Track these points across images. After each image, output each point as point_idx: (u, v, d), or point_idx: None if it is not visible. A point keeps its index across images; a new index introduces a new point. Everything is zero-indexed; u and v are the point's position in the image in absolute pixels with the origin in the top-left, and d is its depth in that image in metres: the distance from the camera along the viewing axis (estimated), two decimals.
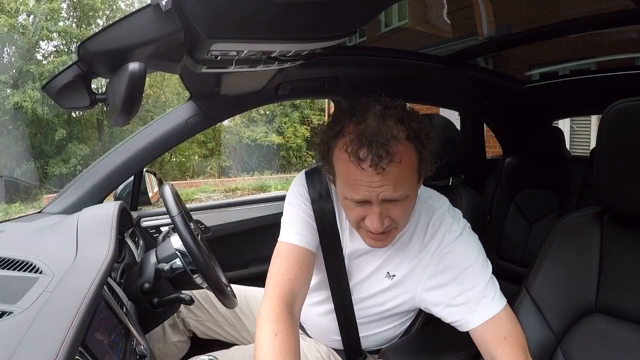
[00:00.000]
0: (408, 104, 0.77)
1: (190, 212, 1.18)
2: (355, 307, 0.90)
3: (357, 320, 0.91)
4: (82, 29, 8.96)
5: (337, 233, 0.85)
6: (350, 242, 0.86)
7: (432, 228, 0.81)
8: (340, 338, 0.94)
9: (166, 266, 0.95)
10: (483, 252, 0.80)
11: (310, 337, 1.04)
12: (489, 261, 0.79)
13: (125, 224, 1.14)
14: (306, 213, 0.85)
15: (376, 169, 0.64)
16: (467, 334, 0.78)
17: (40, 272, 0.67)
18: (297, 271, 0.78)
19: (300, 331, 1.06)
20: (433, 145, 0.71)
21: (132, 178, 1.34)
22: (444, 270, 0.78)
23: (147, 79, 0.73)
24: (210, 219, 1.50)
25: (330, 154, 0.73)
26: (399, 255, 0.83)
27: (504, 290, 0.79)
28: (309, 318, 1.01)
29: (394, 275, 0.84)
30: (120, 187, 1.32)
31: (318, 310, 0.97)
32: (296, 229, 0.83)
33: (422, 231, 0.82)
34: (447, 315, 0.78)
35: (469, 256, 0.78)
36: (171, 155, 9.53)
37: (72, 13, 9.15)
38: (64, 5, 8.90)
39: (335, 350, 0.99)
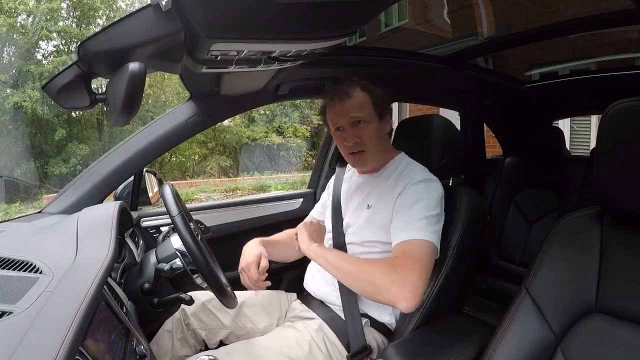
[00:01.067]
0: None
1: (190, 212, 1.18)
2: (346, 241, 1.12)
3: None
4: (82, 28, 8.96)
5: (339, 194, 1.22)
6: (346, 183, 1.23)
7: (403, 174, 1.06)
8: (336, 284, 1.06)
9: (166, 266, 0.95)
10: (435, 200, 0.97)
11: (311, 302, 1.14)
12: (438, 210, 0.97)
13: (125, 224, 1.14)
14: (324, 198, 1.33)
15: (341, 99, 1.06)
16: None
17: (40, 272, 0.67)
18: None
19: (303, 316, 1.12)
20: (381, 90, 1.09)
21: (132, 178, 1.34)
22: (402, 203, 0.99)
23: (147, 79, 0.73)
24: (210, 219, 1.50)
25: (326, 117, 1.13)
26: (376, 191, 1.09)
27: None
28: (312, 275, 1.18)
29: (371, 206, 1.07)
30: (120, 187, 1.32)
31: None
32: (315, 209, 1.37)
33: (396, 176, 1.07)
34: (391, 233, 0.97)
35: (419, 194, 0.97)
36: (171, 155, 9.52)
37: (72, 13, 9.15)
38: (64, 5, 8.91)
39: (333, 326, 1.05)
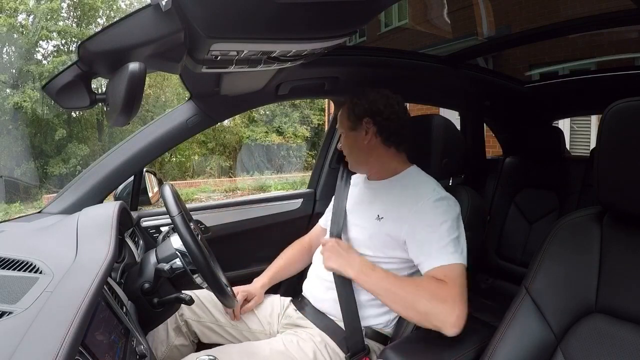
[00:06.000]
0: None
1: (190, 212, 1.18)
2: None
3: None
4: (82, 28, 8.96)
5: (344, 206, 1.21)
6: (355, 188, 1.24)
7: (418, 189, 1.05)
8: (335, 288, 1.04)
9: (166, 266, 0.95)
10: (456, 220, 0.99)
11: (306, 308, 1.14)
12: (461, 226, 0.98)
13: (125, 224, 1.14)
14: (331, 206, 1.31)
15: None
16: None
17: (40, 272, 0.67)
18: (313, 233, 1.39)
19: (298, 324, 1.12)
20: (360, 99, 1.11)
21: (132, 178, 1.34)
22: (421, 220, 0.98)
23: (147, 79, 0.73)
24: (210, 219, 1.50)
25: None
26: (388, 203, 1.08)
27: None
28: (312, 282, 1.17)
29: (382, 217, 1.05)
30: (120, 187, 1.31)
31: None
32: (323, 218, 1.37)
33: (412, 190, 1.06)
34: (413, 253, 0.98)
35: (441, 215, 0.97)
36: (171, 155, 9.53)
37: (72, 12, 9.15)
38: (64, 5, 8.90)
39: (333, 336, 1.04)
